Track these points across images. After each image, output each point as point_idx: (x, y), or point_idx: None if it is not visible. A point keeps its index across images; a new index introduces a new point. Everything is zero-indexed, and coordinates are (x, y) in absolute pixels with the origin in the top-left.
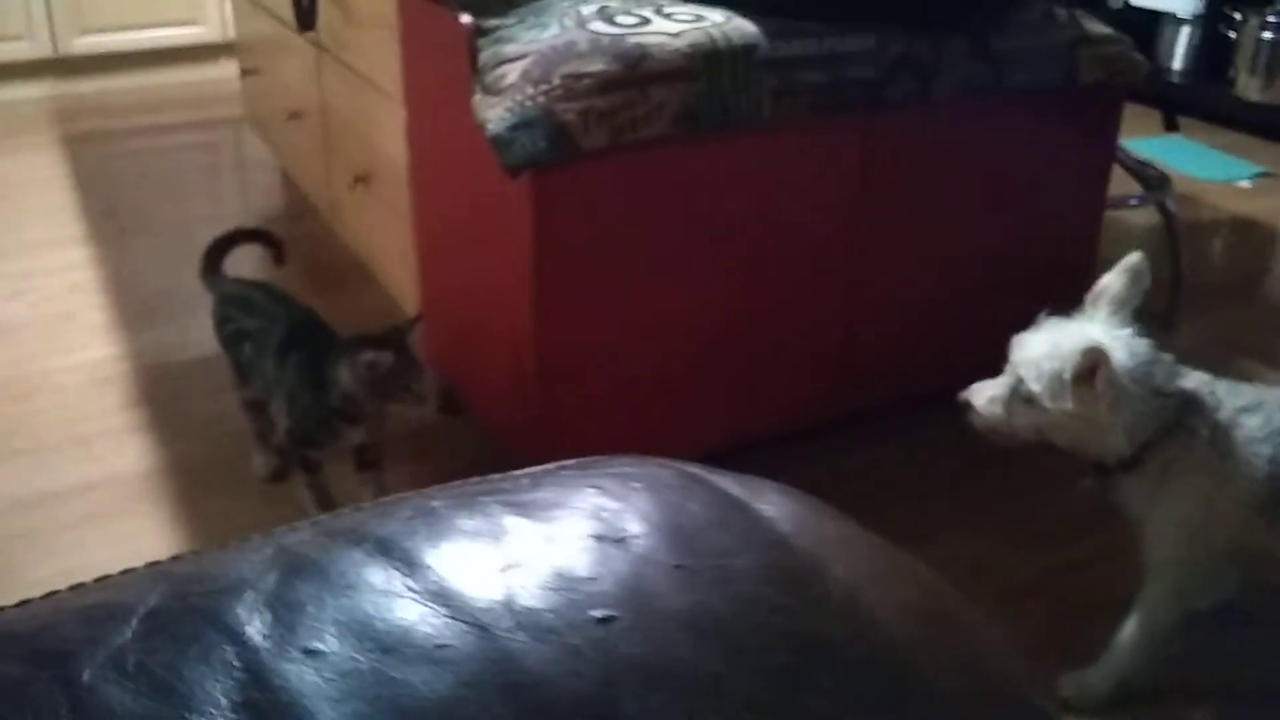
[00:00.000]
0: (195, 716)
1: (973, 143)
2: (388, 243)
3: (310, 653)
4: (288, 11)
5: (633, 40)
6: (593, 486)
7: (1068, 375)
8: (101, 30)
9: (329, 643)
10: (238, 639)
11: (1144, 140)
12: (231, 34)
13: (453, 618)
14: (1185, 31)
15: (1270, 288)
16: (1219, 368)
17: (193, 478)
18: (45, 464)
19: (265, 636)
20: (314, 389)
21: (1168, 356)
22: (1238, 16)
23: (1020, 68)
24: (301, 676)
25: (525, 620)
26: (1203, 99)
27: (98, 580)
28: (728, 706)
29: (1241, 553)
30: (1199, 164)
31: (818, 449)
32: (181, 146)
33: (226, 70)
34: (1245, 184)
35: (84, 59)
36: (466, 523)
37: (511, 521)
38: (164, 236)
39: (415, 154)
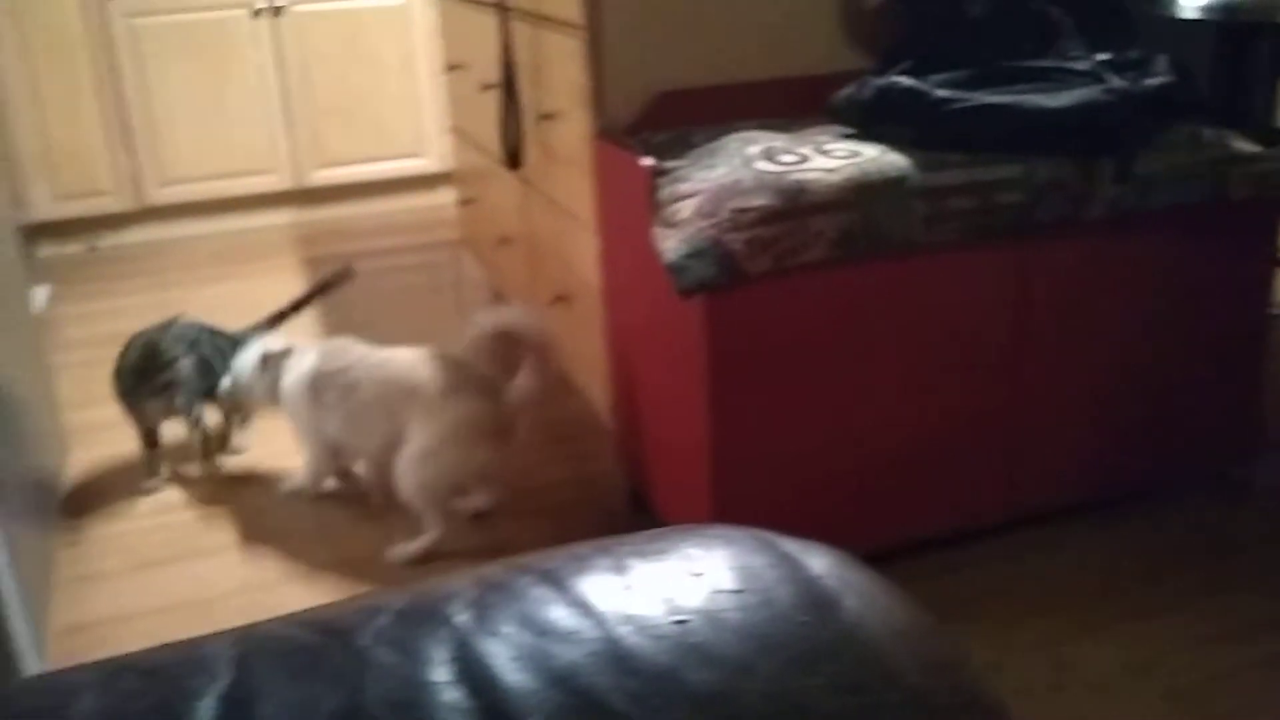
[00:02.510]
0: (423, 665)
1: (1127, 259)
2: (584, 355)
3: (495, 634)
4: (498, 149)
5: (793, 177)
6: (687, 541)
7: None
8: (338, 164)
9: (508, 627)
10: (450, 625)
11: None
12: (451, 165)
13: (584, 616)
14: None
15: None
16: None
17: (371, 559)
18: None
19: (468, 622)
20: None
21: None
22: None
23: (1166, 188)
24: (490, 646)
25: (629, 619)
26: None
27: (365, 592)
28: (759, 682)
29: None
30: None
31: (987, 551)
32: (406, 267)
33: (446, 198)
34: None
35: (322, 189)
36: (601, 561)
37: (632, 561)
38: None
39: (606, 277)
